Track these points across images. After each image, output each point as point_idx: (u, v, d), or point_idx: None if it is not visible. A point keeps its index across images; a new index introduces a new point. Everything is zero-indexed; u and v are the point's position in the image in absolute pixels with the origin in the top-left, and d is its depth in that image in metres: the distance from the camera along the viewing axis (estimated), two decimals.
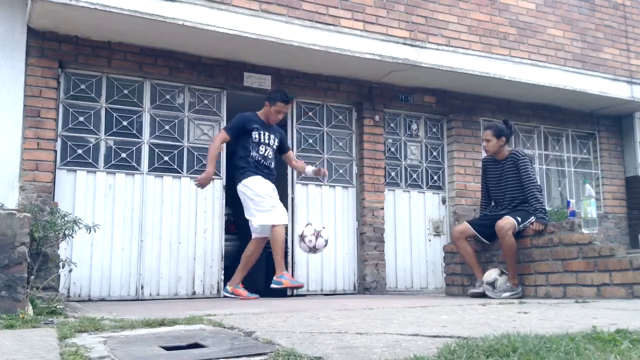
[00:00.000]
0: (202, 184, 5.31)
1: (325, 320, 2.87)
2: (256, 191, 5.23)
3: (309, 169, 5.69)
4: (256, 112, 5.49)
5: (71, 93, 5.50)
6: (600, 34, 7.54)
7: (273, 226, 5.18)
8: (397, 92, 6.87)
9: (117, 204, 5.50)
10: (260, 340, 2.23)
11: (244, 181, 5.26)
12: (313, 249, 5.25)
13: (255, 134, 5.34)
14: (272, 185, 5.36)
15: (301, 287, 5.61)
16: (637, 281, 4.12)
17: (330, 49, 5.83)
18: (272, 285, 5.24)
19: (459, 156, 7.12)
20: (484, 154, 5.59)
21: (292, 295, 6.03)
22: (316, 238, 5.20)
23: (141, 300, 5.39)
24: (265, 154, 5.38)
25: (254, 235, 5.38)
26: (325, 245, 5.27)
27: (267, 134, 5.41)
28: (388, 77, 6.57)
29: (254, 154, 5.31)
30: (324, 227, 5.33)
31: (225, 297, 5.42)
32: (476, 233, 5.21)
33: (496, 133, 5.22)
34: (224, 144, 5.61)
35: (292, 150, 6.05)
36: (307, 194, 6.33)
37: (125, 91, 5.70)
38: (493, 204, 5.38)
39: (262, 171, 5.32)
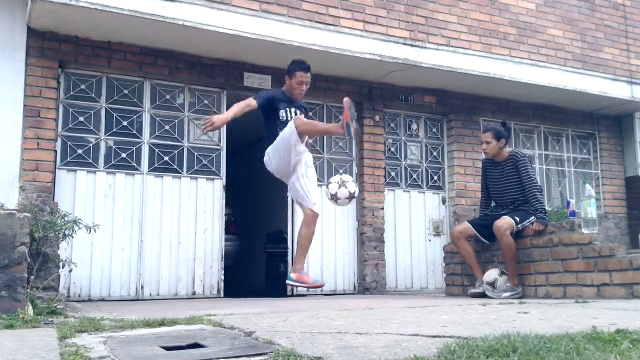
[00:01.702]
0: (211, 124, 4.41)
1: (325, 320, 2.86)
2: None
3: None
4: (282, 88, 4.94)
5: (71, 93, 5.50)
6: (600, 34, 7.54)
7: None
8: (397, 92, 6.87)
9: (117, 204, 5.50)
10: (260, 340, 2.23)
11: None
12: (350, 197, 4.69)
13: (282, 113, 4.81)
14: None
15: (322, 285, 4.97)
16: (637, 281, 4.11)
17: (330, 49, 5.83)
18: (288, 282, 4.68)
19: (459, 156, 7.12)
20: (483, 155, 5.58)
21: (292, 295, 6.03)
22: (339, 187, 4.67)
23: (141, 300, 5.39)
24: None
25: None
26: (349, 196, 4.71)
27: (293, 110, 4.88)
28: (388, 77, 6.57)
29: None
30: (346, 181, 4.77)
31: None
32: (476, 233, 5.20)
33: (496, 135, 5.20)
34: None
35: None
36: None
37: (125, 91, 5.70)
38: (494, 204, 5.37)
39: None
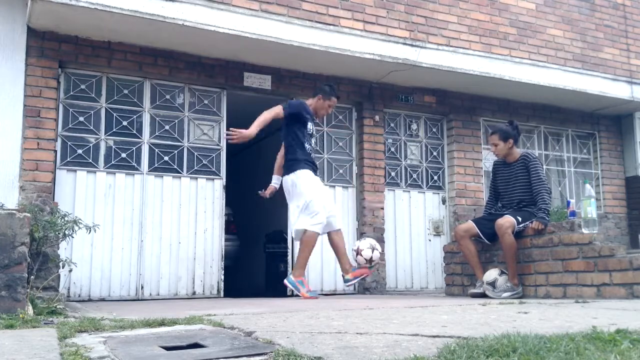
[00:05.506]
0: (238, 137, 4.82)
1: (325, 320, 2.86)
2: (308, 188, 5.00)
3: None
4: (306, 102, 5.30)
5: (71, 93, 5.50)
6: (600, 34, 7.54)
7: (305, 231, 5.00)
8: (397, 92, 6.87)
9: (117, 204, 5.50)
10: (260, 340, 2.23)
11: (299, 172, 5.04)
12: (369, 261, 5.19)
13: (309, 125, 5.19)
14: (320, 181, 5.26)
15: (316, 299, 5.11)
16: (637, 281, 4.11)
17: (330, 49, 5.83)
18: (286, 282, 5.08)
19: (459, 156, 7.12)
20: (484, 154, 5.57)
21: (292, 296, 6.02)
22: (372, 251, 5.17)
23: (141, 300, 5.40)
24: (313, 146, 5.32)
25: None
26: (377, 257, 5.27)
27: (313, 125, 5.29)
28: (388, 77, 6.57)
29: (307, 145, 5.14)
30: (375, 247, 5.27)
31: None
32: (479, 232, 5.18)
33: (503, 136, 5.18)
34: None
35: None
36: None
37: (125, 91, 5.70)
38: (500, 205, 5.34)
39: (313, 165, 5.18)
